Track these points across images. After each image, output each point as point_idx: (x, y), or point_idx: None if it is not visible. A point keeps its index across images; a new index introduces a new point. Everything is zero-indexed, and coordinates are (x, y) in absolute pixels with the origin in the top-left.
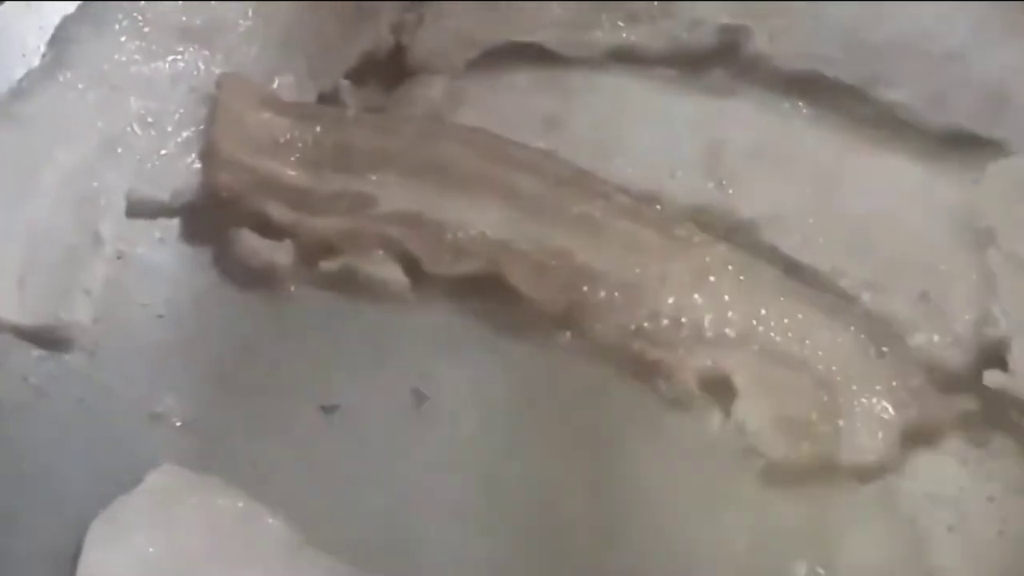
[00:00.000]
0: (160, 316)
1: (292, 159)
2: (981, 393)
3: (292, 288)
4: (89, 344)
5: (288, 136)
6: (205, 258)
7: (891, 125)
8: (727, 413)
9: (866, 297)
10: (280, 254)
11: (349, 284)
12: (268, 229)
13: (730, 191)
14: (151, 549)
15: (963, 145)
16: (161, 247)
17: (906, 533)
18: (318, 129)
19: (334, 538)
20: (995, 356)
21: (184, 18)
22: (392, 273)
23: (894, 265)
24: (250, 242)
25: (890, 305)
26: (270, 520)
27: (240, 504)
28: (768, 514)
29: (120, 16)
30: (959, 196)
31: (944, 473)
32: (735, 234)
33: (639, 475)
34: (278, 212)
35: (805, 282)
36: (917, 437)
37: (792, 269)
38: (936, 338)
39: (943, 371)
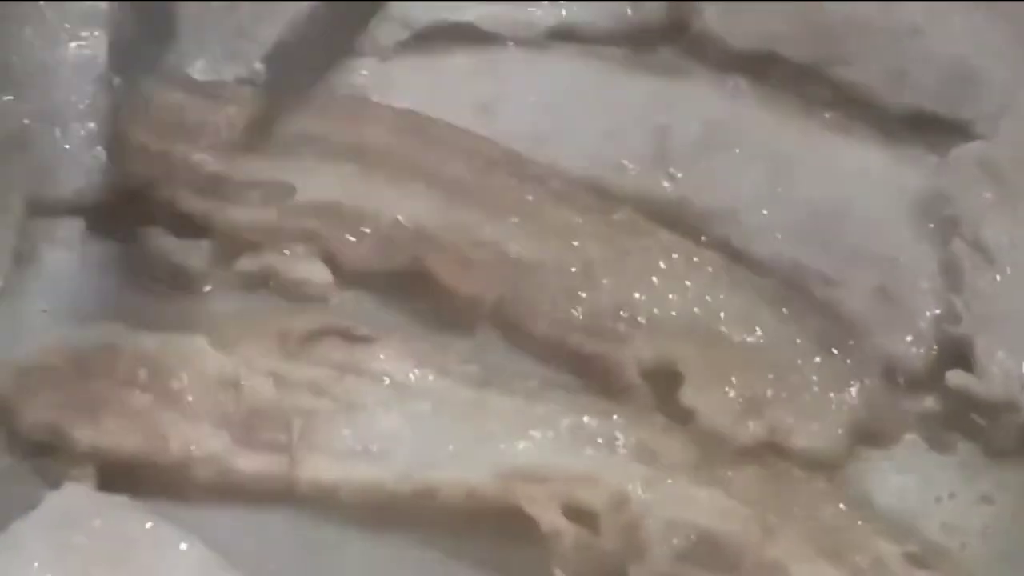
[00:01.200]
0: (63, 321)
1: (204, 143)
2: (942, 393)
3: (207, 289)
4: None
5: (199, 119)
6: (112, 259)
7: (850, 107)
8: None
9: (822, 292)
10: (194, 255)
11: (268, 283)
12: (180, 227)
13: (679, 180)
14: None
15: (926, 127)
16: (64, 248)
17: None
18: (232, 110)
19: (253, 559)
20: (958, 354)
21: (86, 6)
22: (314, 271)
23: (852, 257)
24: (161, 242)
25: (847, 300)
26: (183, 544)
27: (148, 525)
28: None
29: (21, 6)
30: (922, 183)
31: (902, 479)
32: (685, 225)
33: None
34: (191, 203)
35: (757, 274)
36: (870, 436)
37: (745, 262)
38: (895, 335)
39: (902, 370)
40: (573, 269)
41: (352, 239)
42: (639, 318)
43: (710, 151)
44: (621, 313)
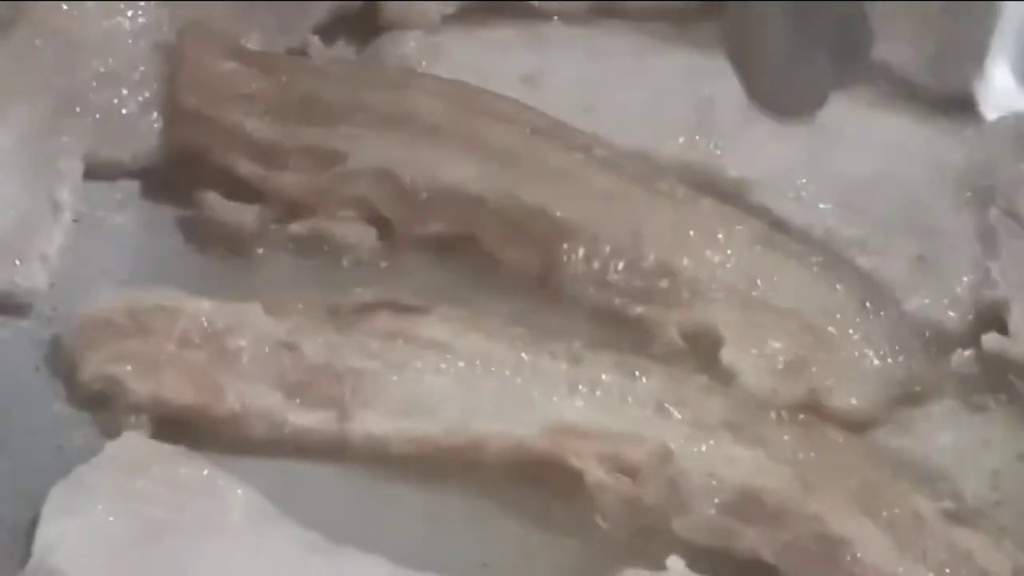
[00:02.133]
0: (122, 281)
1: (258, 111)
2: (980, 356)
3: (260, 251)
4: (47, 310)
5: (253, 87)
6: (168, 221)
7: (889, 83)
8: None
9: (861, 259)
10: (247, 216)
11: (319, 247)
12: (234, 191)
13: (720, 150)
14: (111, 519)
15: (963, 103)
16: (121, 210)
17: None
18: (284, 80)
19: (305, 508)
20: (994, 319)
21: None
22: (363, 235)
23: (891, 226)
24: (216, 204)
25: (886, 267)
26: (238, 490)
27: (205, 472)
28: None
29: None
30: (959, 155)
31: (939, 440)
32: (726, 194)
33: None
34: (244, 168)
35: (797, 242)
36: (908, 397)
37: (784, 230)
38: (933, 300)
39: (940, 334)
40: (617, 234)
41: (400, 205)
42: (681, 282)
43: (751, 122)
44: (664, 277)
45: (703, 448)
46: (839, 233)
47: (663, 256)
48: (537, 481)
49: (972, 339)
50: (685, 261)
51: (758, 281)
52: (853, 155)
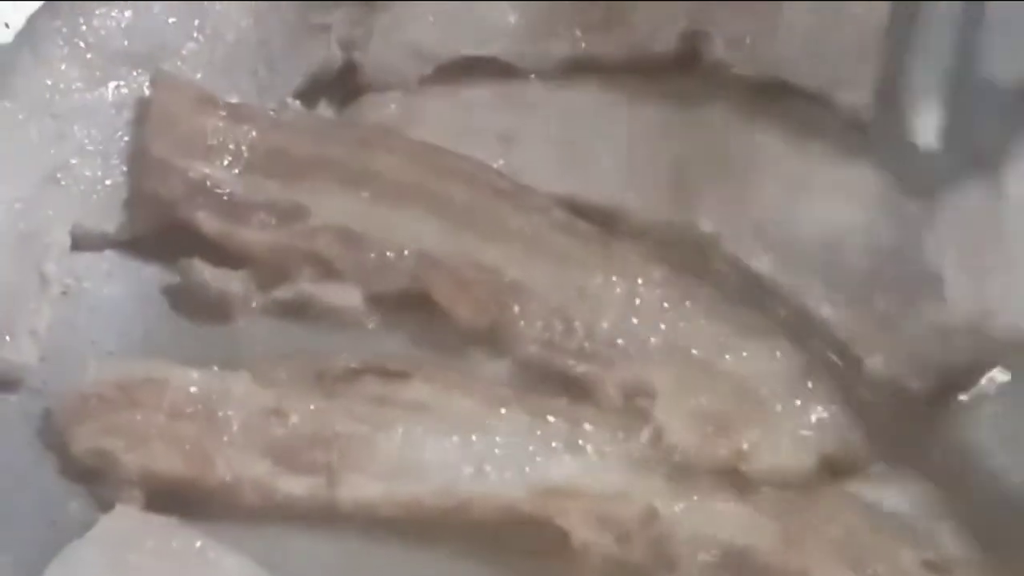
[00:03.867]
0: (110, 353)
1: (224, 163)
2: (937, 418)
3: (246, 316)
4: (37, 384)
5: (222, 138)
6: (154, 290)
7: (858, 132)
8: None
9: (827, 313)
10: (232, 282)
11: (305, 311)
12: (220, 257)
13: (692, 204)
14: None
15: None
16: (109, 281)
17: None
18: (254, 133)
19: (297, 574)
20: (956, 381)
21: (127, 43)
22: (348, 298)
23: (859, 279)
24: (201, 272)
25: (851, 323)
26: (230, 559)
27: (197, 544)
28: None
29: (60, 43)
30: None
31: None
32: (697, 248)
33: None
34: (207, 223)
35: (763, 298)
36: (837, 464)
37: (754, 283)
38: (894, 360)
39: (903, 390)
40: (564, 296)
41: (359, 262)
42: (621, 344)
43: (723, 176)
44: (609, 336)
45: (689, 505)
46: (808, 286)
47: (610, 319)
48: (525, 541)
49: (934, 395)
50: (632, 324)
51: (699, 343)
52: (823, 205)
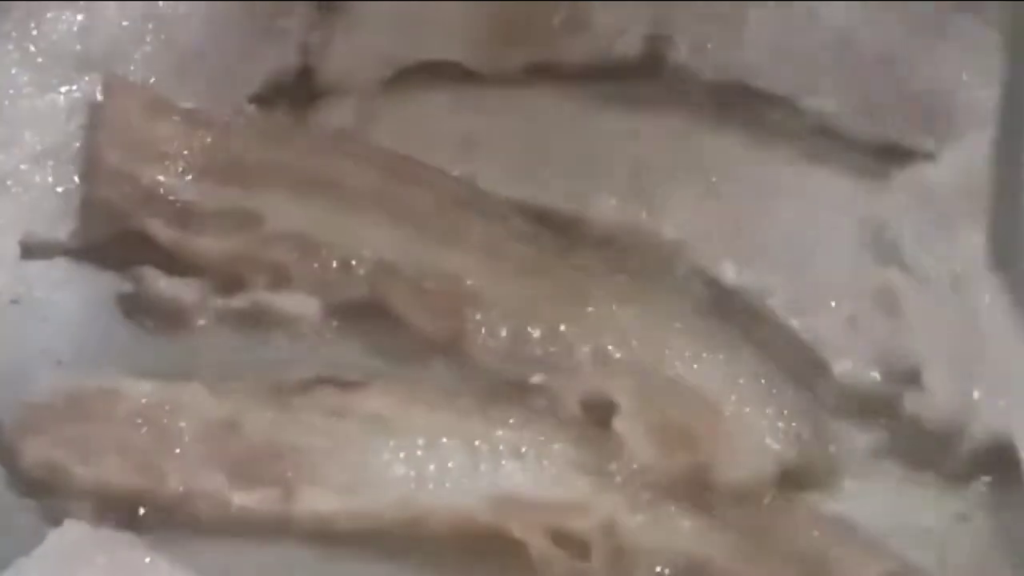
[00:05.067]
0: (62, 363)
1: (178, 170)
2: (899, 419)
3: (200, 325)
4: None
5: (176, 144)
6: (107, 299)
7: (822, 138)
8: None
9: (795, 320)
10: (186, 291)
11: (260, 320)
12: (174, 266)
13: (656, 210)
14: None
15: (895, 157)
16: (60, 289)
17: None
18: (208, 139)
19: None
20: (909, 382)
21: (79, 47)
22: (305, 307)
23: (825, 285)
24: (155, 280)
25: (818, 329)
26: (178, 574)
27: (147, 559)
28: None
29: (10, 47)
30: (884, 209)
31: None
32: (660, 255)
33: None
34: (160, 231)
35: (727, 305)
36: (798, 476)
37: (719, 291)
38: (863, 363)
39: (868, 396)
40: (523, 305)
41: (315, 270)
42: (581, 353)
43: (686, 182)
44: (564, 348)
45: (648, 517)
46: (773, 292)
47: (570, 329)
48: (483, 554)
49: (892, 403)
50: (592, 335)
51: (661, 354)
52: (787, 212)
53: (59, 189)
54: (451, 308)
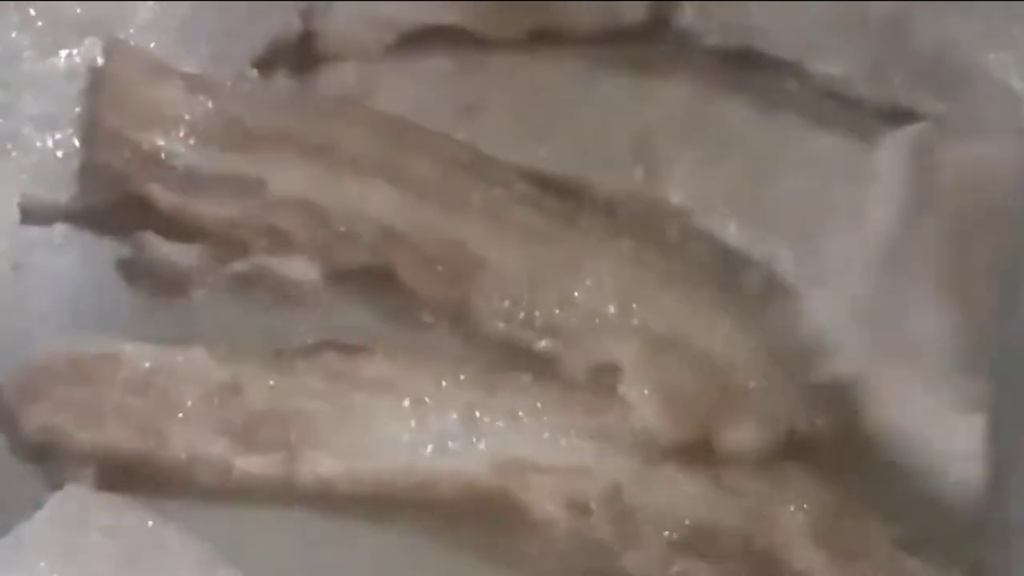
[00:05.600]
0: (62, 327)
1: (180, 135)
2: None
3: (201, 291)
4: None
5: (177, 109)
6: (108, 264)
7: (829, 101)
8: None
9: (801, 284)
10: (188, 256)
11: (261, 284)
12: (175, 230)
13: (661, 176)
14: None
15: (902, 121)
16: (60, 254)
17: None
18: (210, 104)
19: (254, 555)
20: None
21: (79, 11)
22: (306, 272)
23: (831, 253)
24: (156, 245)
25: (820, 298)
26: (185, 540)
27: (149, 523)
28: None
29: (11, 11)
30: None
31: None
32: (666, 221)
33: None
34: (161, 197)
35: (733, 270)
36: (804, 444)
37: (726, 255)
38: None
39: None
40: (528, 270)
41: (318, 236)
42: (586, 319)
43: (692, 147)
44: (575, 311)
45: (654, 482)
46: (780, 258)
47: (576, 293)
48: (487, 518)
49: None
50: (598, 299)
51: (669, 320)
52: (794, 176)
53: (59, 154)
54: (455, 273)
